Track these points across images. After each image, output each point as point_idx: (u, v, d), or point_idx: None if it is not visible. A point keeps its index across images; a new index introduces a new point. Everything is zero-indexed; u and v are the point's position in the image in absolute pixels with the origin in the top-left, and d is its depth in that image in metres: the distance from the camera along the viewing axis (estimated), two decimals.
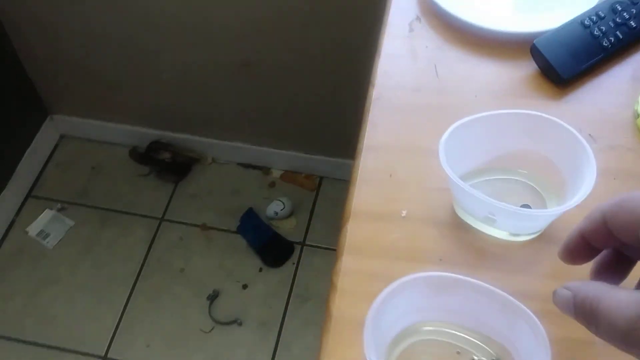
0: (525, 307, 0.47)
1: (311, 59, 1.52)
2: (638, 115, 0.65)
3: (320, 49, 1.49)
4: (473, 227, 0.59)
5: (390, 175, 0.63)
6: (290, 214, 1.76)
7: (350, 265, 0.58)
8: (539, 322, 0.46)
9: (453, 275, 0.49)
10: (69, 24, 1.59)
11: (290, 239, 1.72)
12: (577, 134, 0.56)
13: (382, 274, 0.57)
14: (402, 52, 0.74)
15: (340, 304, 0.55)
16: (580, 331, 0.52)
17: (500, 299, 0.48)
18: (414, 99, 0.69)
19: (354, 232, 0.60)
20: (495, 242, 0.59)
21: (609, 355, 0.51)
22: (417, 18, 0.76)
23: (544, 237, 0.59)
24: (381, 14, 0.79)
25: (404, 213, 0.61)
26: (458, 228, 0.60)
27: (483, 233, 0.59)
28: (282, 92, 1.63)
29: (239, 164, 1.87)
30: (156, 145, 1.85)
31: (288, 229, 1.74)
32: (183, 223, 1.77)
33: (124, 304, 1.63)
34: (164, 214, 1.79)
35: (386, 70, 0.72)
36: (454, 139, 0.56)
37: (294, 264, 1.69)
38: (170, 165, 1.84)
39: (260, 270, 1.68)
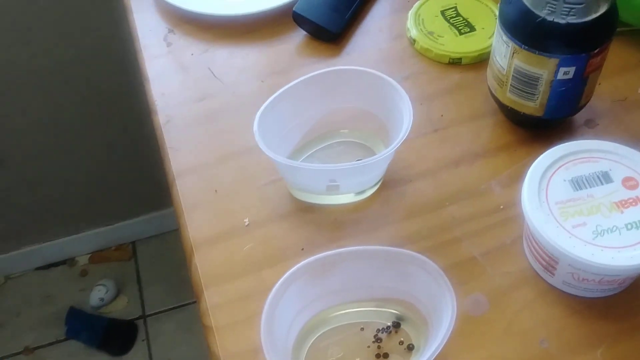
0: (406, 250, 0.45)
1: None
2: (414, 40, 0.66)
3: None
4: (317, 204, 0.56)
5: (216, 191, 0.58)
6: (118, 293, 1.61)
7: (215, 299, 0.51)
8: (426, 259, 0.44)
9: (329, 252, 0.45)
10: None
11: (129, 317, 1.57)
12: (383, 75, 0.55)
13: (253, 291, 0.51)
14: (170, 68, 0.68)
15: (224, 342, 0.49)
16: (462, 253, 0.52)
17: (380, 254, 0.45)
18: (203, 108, 0.64)
19: (204, 263, 0.53)
20: (344, 208, 0.56)
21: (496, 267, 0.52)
22: (170, 31, 0.71)
23: (385, 185, 0.57)
24: (129, 42, 0.72)
25: (246, 221, 0.56)
26: (304, 211, 0.56)
27: (329, 205, 0.56)
28: (50, 177, 1.47)
29: (37, 268, 1.66)
30: None
31: (122, 309, 1.59)
32: (1, 359, 1.53)
33: None
34: None
35: (162, 92, 0.66)
36: (264, 124, 0.52)
37: (143, 340, 1.54)
38: None
39: None
